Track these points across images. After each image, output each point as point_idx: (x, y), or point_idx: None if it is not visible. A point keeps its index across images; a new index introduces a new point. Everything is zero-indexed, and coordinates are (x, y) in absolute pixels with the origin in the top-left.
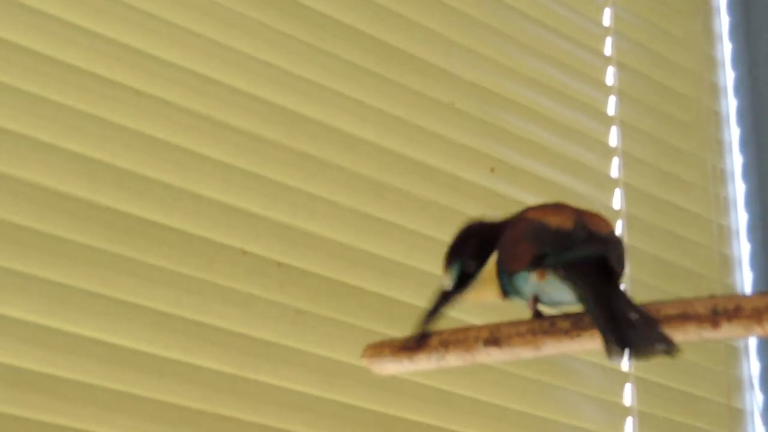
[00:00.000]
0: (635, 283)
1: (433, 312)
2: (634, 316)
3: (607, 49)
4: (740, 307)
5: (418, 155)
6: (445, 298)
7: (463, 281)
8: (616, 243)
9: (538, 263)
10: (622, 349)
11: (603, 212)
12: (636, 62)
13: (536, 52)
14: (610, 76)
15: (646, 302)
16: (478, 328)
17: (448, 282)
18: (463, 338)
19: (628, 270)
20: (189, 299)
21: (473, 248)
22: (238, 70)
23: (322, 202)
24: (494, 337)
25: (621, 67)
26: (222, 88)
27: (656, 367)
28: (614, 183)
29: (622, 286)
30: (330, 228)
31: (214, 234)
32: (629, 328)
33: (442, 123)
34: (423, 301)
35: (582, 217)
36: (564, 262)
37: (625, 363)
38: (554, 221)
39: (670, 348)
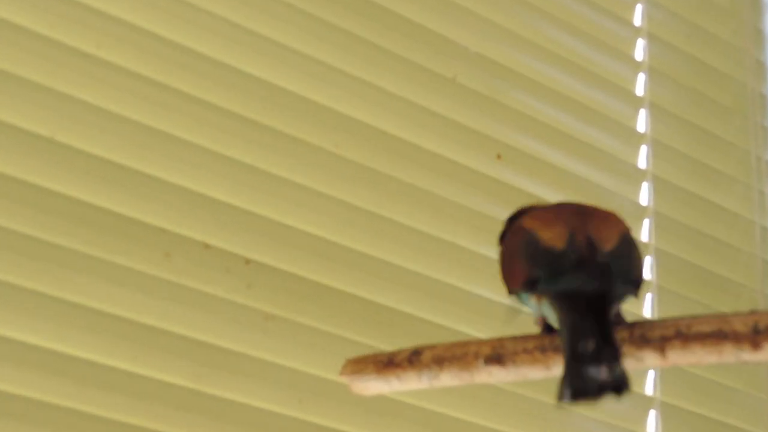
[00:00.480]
0: (662, 293)
1: None
2: (604, 353)
3: (637, 19)
4: None
5: (412, 137)
6: None
7: None
8: (622, 259)
9: (531, 287)
10: (571, 393)
11: (623, 210)
12: (670, 35)
13: (553, 20)
14: (639, 51)
15: (675, 317)
16: (479, 343)
17: None
18: (460, 354)
19: (654, 277)
20: (140, 299)
21: None
22: (202, 32)
23: (299, 190)
24: (497, 353)
25: (653, 40)
26: (184, 52)
27: (687, 391)
28: (641, 175)
29: (618, 312)
30: (307, 220)
31: (172, 224)
32: (588, 371)
33: (442, 100)
34: (414, 307)
35: (585, 224)
36: (554, 291)
37: (648, 387)
38: (547, 236)
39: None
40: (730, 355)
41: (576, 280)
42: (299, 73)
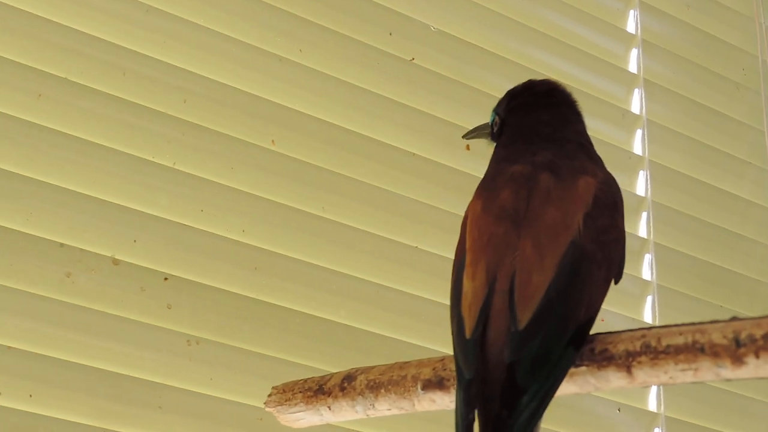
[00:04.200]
0: (664, 294)
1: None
2: None
3: None
4: None
5: (362, 128)
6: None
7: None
8: (543, 326)
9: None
10: None
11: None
12: (666, 3)
13: None
14: (631, 23)
15: (643, 327)
16: (418, 365)
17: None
18: (398, 379)
19: (654, 277)
20: (36, 327)
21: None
22: (108, 19)
23: (224, 192)
24: (439, 377)
25: (646, 10)
26: (90, 43)
27: (693, 404)
28: (639, 162)
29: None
30: (236, 228)
31: (72, 238)
32: None
33: (399, 86)
34: (362, 322)
35: (516, 250)
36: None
37: (652, 402)
38: (465, 302)
39: None
40: (707, 372)
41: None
42: (232, 62)
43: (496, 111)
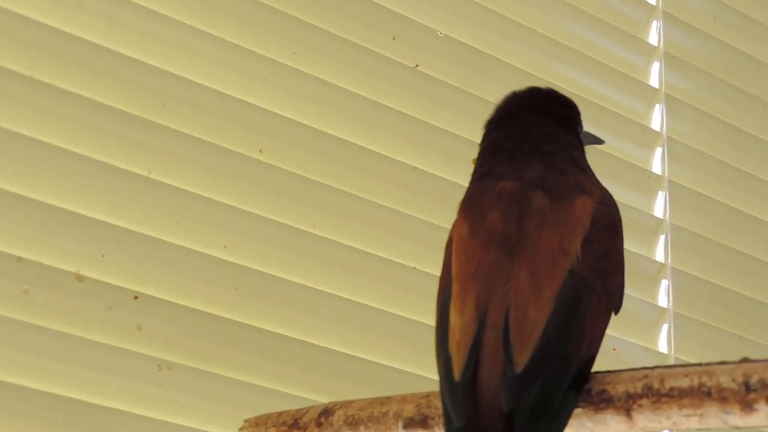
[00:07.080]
0: (681, 322)
1: None
2: None
3: None
4: None
5: (363, 140)
6: None
7: None
8: (542, 368)
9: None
10: None
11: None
12: (690, 15)
13: None
14: (654, 34)
15: (645, 367)
16: (401, 400)
17: None
18: (378, 415)
19: (671, 304)
20: None
21: None
22: (75, 11)
23: (206, 205)
24: (422, 415)
25: (669, 21)
26: (53, 34)
27: None
28: (658, 182)
29: None
30: (216, 243)
31: (34, 251)
32: None
33: (401, 94)
34: (353, 348)
35: (510, 282)
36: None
37: None
38: (453, 338)
39: None
40: (714, 418)
41: None
42: (206, 60)
43: None
